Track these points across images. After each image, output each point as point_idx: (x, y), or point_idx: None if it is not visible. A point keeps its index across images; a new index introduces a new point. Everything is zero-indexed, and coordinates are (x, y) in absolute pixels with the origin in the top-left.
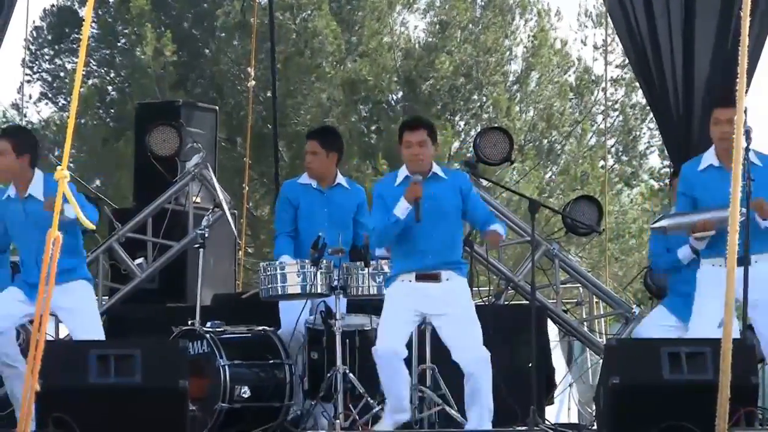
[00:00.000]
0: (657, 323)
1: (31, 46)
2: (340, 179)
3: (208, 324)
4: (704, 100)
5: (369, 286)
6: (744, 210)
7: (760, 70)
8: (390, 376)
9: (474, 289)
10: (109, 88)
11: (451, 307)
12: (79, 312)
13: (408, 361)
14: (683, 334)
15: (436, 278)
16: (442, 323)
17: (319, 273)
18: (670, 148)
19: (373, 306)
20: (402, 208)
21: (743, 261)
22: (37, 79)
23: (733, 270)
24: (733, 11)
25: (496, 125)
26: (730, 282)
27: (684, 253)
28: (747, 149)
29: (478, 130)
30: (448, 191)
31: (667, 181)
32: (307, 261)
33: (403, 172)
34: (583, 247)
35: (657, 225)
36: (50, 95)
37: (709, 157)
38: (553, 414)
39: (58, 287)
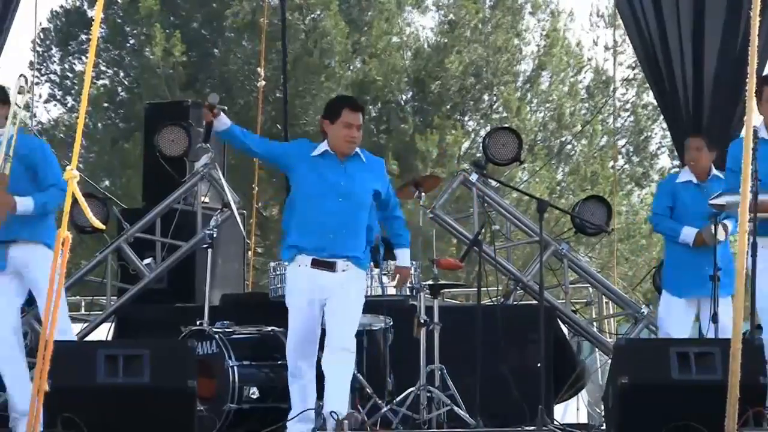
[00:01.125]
0: (670, 312)
1: (38, 48)
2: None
3: (217, 324)
4: (713, 101)
5: (379, 287)
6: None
7: None
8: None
9: (483, 289)
10: (119, 88)
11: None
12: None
13: (416, 361)
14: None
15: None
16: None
17: None
18: (679, 147)
19: (384, 306)
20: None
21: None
22: (46, 81)
23: (742, 270)
24: (742, 11)
25: (505, 125)
26: (739, 282)
27: (687, 235)
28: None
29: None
30: (365, 176)
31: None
32: None
33: (323, 146)
34: (592, 247)
35: (716, 201)
36: (59, 96)
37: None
38: (561, 414)
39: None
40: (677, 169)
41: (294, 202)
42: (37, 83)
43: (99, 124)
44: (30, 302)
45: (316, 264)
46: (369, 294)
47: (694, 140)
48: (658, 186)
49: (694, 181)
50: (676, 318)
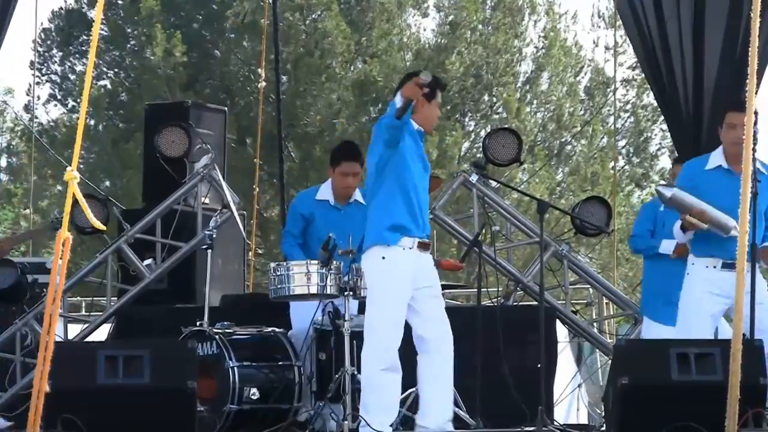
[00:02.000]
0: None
1: (39, 48)
2: (356, 194)
3: (217, 325)
4: (714, 101)
5: None
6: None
7: None
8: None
9: (483, 290)
10: (119, 89)
11: None
12: None
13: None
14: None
15: None
16: None
17: (329, 274)
18: (680, 149)
19: None
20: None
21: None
22: (46, 81)
23: (742, 272)
24: (743, 11)
25: (505, 126)
26: (739, 283)
27: (666, 246)
28: (754, 150)
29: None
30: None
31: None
32: (316, 261)
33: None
34: (592, 248)
35: (663, 190)
36: (59, 97)
37: (718, 158)
38: (562, 415)
39: None
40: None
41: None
42: (37, 84)
43: (99, 125)
44: (31, 302)
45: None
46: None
47: (677, 167)
48: (641, 209)
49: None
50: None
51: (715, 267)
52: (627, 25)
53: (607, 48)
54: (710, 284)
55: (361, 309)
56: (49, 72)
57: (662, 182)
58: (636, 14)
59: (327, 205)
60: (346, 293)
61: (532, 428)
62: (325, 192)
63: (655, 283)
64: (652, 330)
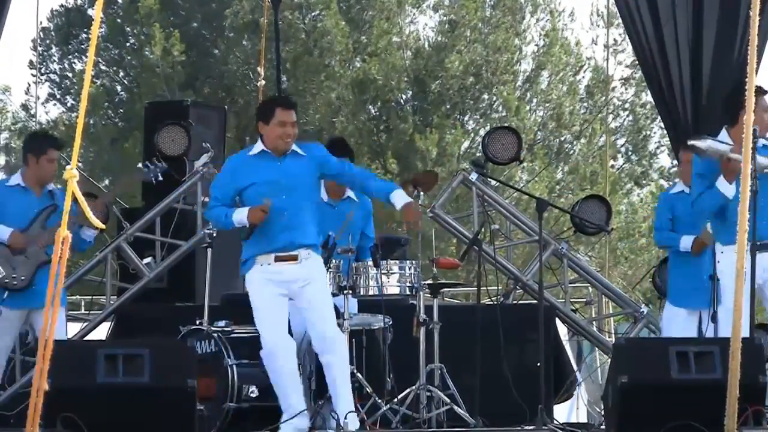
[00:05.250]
0: (672, 323)
1: (39, 47)
2: (349, 192)
3: (216, 324)
4: (710, 102)
5: (379, 286)
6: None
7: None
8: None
9: (482, 288)
10: (118, 87)
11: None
12: None
13: (416, 360)
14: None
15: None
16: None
17: (329, 272)
18: (677, 148)
19: (384, 305)
20: (240, 220)
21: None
22: (46, 80)
23: (742, 270)
24: (740, 11)
25: (505, 125)
26: (739, 281)
27: (685, 244)
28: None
29: (488, 129)
30: (305, 167)
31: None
32: None
33: (259, 146)
34: (592, 246)
35: (697, 143)
36: (58, 96)
37: (725, 141)
38: (562, 413)
39: None
40: (671, 183)
41: None
42: (37, 82)
43: (99, 123)
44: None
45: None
46: (371, 293)
47: (685, 153)
48: (658, 200)
49: (687, 191)
50: (677, 329)
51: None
52: (625, 24)
53: (605, 46)
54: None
55: (361, 308)
56: (48, 71)
57: (692, 138)
58: (632, 15)
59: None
60: (345, 292)
61: (531, 427)
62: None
63: (680, 270)
64: (672, 315)
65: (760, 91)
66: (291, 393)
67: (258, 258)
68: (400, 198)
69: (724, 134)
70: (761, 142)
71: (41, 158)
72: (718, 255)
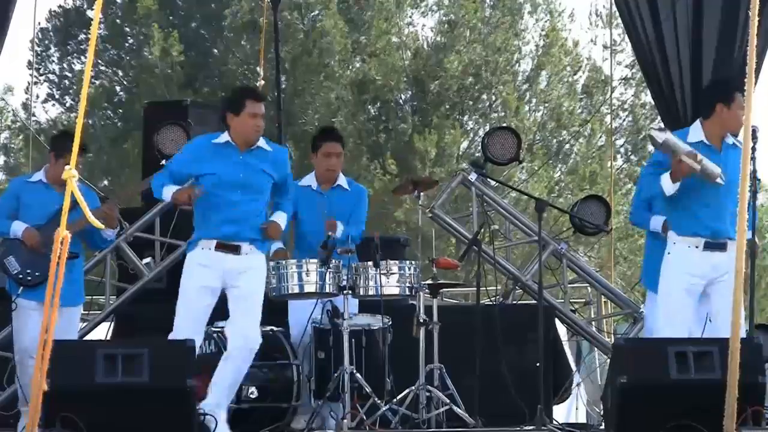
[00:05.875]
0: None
1: (37, 47)
2: (341, 180)
3: (216, 324)
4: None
5: (378, 286)
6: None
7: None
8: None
9: (482, 288)
10: (117, 88)
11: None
12: None
13: (415, 360)
14: None
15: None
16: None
17: (328, 273)
18: None
19: (383, 305)
20: (167, 195)
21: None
22: (44, 80)
23: (741, 270)
24: (740, 12)
25: (504, 125)
26: (738, 282)
27: (656, 223)
28: (754, 149)
29: (487, 129)
30: (266, 166)
31: None
32: (315, 260)
33: (225, 136)
34: (591, 246)
35: (656, 134)
36: (57, 96)
37: (697, 133)
38: (561, 414)
39: None
40: None
41: None
42: (35, 83)
43: (98, 123)
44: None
45: None
46: (371, 293)
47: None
48: (639, 178)
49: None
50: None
51: (697, 247)
52: (626, 27)
53: (605, 47)
54: (691, 265)
55: (362, 308)
56: (47, 71)
57: (653, 127)
58: (632, 15)
59: (309, 190)
60: (345, 292)
61: (531, 427)
62: (309, 178)
63: (654, 254)
64: (653, 302)
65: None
66: None
67: (201, 242)
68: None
69: (696, 125)
70: (731, 140)
71: (59, 160)
72: (669, 244)
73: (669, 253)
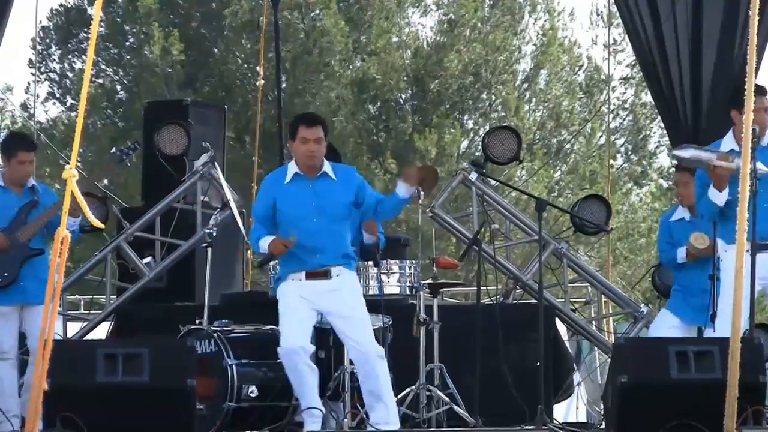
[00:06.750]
0: (661, 326)
1: (38, 46)
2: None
3: (216, 323)
4: (711, 102)
5: (379, 285)
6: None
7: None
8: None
9: (482, 288)
10: (118, 87)
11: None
12: None
13: (416, 360)
14: (687, 334)
15: (326, 275)
16: (333, 320)
17: None
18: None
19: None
20: (264, 247)
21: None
22: (45, 79)
23: (741, 269)
24: (740, 11)
25: (504, 124)
26: (738, 280)
27: (680, 254)
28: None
29: (487, 129)
30: (338, 189)
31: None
32: None
33: (293, 168)
34: (591, 246)
35: (680, 153)
36: (58, 95)
37: (729, 143)
38: (561, 413)
39: None
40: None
41: None
42: (36, 82)
43: (98, 123)
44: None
45: None
46: (372, 293)
47: (680, 175)
48: (659, 224)
49: (687, 218)
50: (664, 330)
51: (748, 251)
52: (626, 27)
53: (605, 46)
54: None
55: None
56: (47, 70)
57: (673, 149)
58: (632, 15)
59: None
60: None
61: (531, 427)
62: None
63: (682, 285)
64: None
65: (759, 91)
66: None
67: (290, 275)
68: (401, 187)
69: (728, 135)
70: (765, 141)
71: (12, 160)
72: (720, 253)
73: (722, 261)
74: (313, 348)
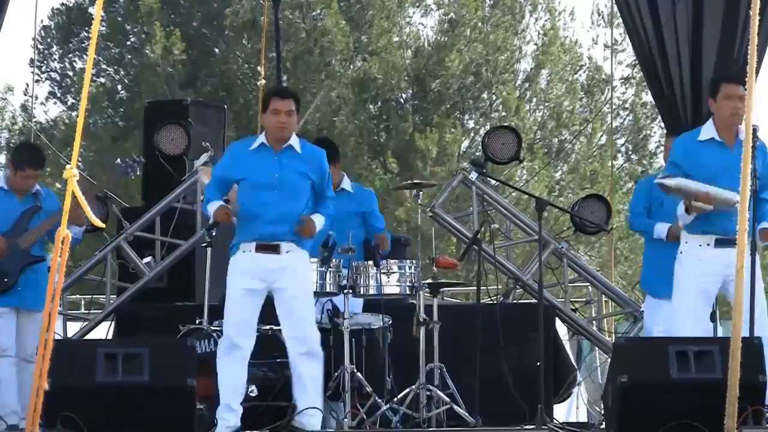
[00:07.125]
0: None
1: (39, 45)
2: (344, 184)
3: (216, 323)
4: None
5: (378, 285)
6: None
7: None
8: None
9: (482, 288)
10: (118, 86)
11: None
12: None
13: (416, 360)
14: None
15: (275, 249)
16: (277, 299)
17: (329, 272)
18: None
19: (384, 305)
20: (211, 212)
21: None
22: (46, 79)
23: (742, 269)
24: (740, 11)
25: (505, 124)
26: (739, 282)
27: (660, 230)
28: (755, 147)
29: (488, 128)
30: (300, 164)
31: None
32: (316, 260)
33: (261, 138)
34: (591, 245)
35: (662, 181)
36: (58, 94)
37: (709, 131)
38: (561, 413)
39: None
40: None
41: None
42: (37, 81)
43: (98, 122)
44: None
45: None
46: (371, 293)
47: (669, 140)
48: (636, 187)
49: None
50: (658, 320)
51: (708, 245)
52: (626, 27)
53: (606, 46)
54: (703, 263)
55: (366, 307)
56: (48, 69)
57: (660, 175)
58: (633, 19)
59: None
60: (345, 291)
61: (531, 426)
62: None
63: (653, 259)
64: (652, 305)
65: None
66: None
67: (242, 245)
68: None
69: (709, 123)
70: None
71: (18, 172)
72: (681, 244)
73: (681, 253)
74: (251, 344)
